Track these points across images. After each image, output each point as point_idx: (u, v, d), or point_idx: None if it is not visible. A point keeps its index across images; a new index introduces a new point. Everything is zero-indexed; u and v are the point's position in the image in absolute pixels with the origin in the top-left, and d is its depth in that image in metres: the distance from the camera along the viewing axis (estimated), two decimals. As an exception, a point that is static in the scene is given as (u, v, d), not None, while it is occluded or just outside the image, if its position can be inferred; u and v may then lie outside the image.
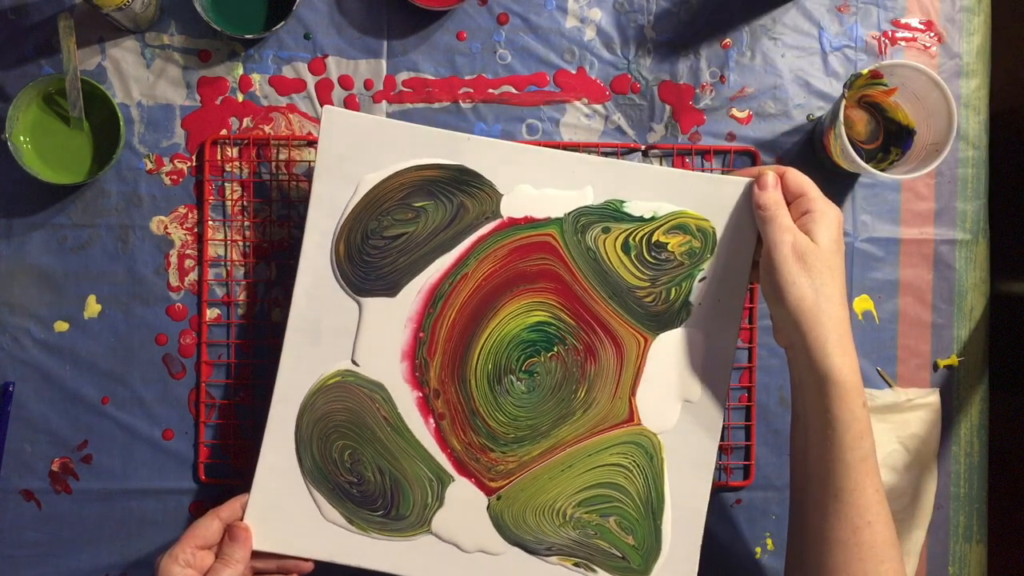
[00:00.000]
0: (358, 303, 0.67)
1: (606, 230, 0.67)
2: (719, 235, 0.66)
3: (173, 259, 0.76)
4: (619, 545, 0.67)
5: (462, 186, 0.67)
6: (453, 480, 0.67)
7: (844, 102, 0.68)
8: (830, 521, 0.60)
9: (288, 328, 0.68)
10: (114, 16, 0.72)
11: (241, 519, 0.66)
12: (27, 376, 0.75)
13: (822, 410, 0.60)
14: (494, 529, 0.67)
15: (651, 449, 0.67)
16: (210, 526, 0.65)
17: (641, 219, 0.67)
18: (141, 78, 0.76)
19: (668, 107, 0.77)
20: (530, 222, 0.67)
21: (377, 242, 0.68)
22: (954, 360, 0.77)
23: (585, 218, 0.67)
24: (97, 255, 0.76)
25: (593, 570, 0.67)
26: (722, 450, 0.76)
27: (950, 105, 0.68)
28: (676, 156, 0.77)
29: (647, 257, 0.67)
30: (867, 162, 0.70)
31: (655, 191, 0.67)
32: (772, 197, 0.63)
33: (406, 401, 0.67)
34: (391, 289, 0.68)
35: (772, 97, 0.77)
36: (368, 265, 0.68)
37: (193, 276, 0.76)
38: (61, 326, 0.76)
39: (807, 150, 0.77)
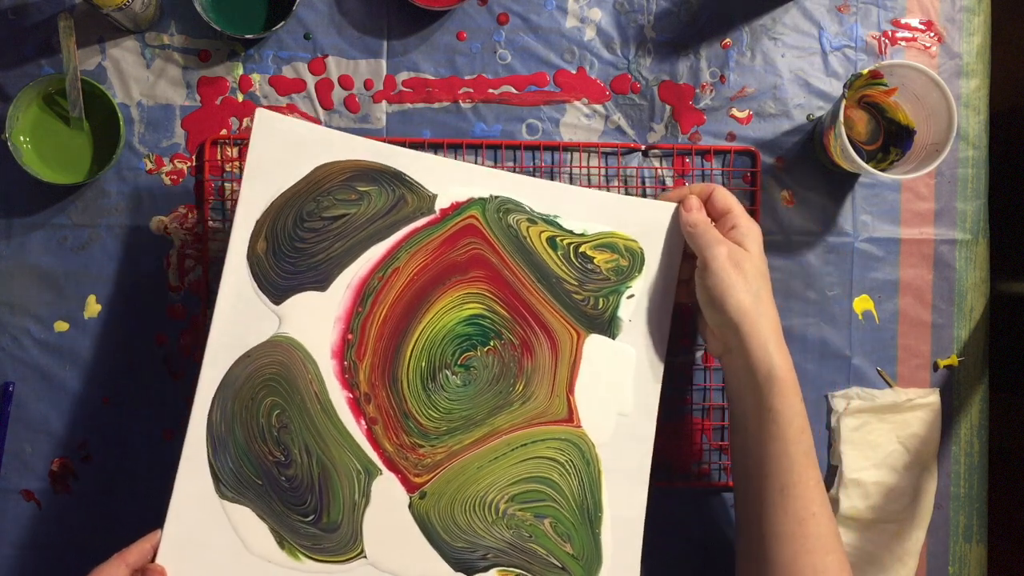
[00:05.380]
0: (278, 317, 0.65)
1: (532, 221, 0.67)
2: (647, 256, 0.68)
3: (173, 259, 0.76)
4: (557, 553, 0.65)
5: (403, 182, 0.67)
6: (380, 473, 0.65)
7: (844, 102, 0.68)
8: (777, 516, 0.61)
9: (209, 344, 0.64)
10: (114, 16, 0.72)
11: (152, 560, 0.62)
12: (27, 376, 0.75)
13: (765, 408, 0.62)
14: (424, 538, 0.64)
15: (588, 455, 0.66)
16: (115, 574, 0.59)
17: (571, 232, 0.68)
18: (141, 78, 0.76)
19: (668, 107, 0.77)
20: (456, 208, 0.67)
21: (315, 224, 0.66)
22: (954, 360, 0.77)
23: (512, 204, 0.67)
24: (97, 255, 0.76)
25: None
26: (722, 450, 0.76)
27: (950, 105, 0.68)
28: (676, 156, 0.77)
29: (574, 260, 0.67)
30: (867, 162, 0.70)
31: (589, 212, 0.68)
32: (699, 217, 0.66)
33: (337, 396, 0.65)
34: (322, 282, 0.66)
35: (772, 97, 0.77)
36: (300, 253, 0.66)
37: (193, 276, 0.76)
38: (61, 326, 0.76)
39: (807, 150, 0.77)
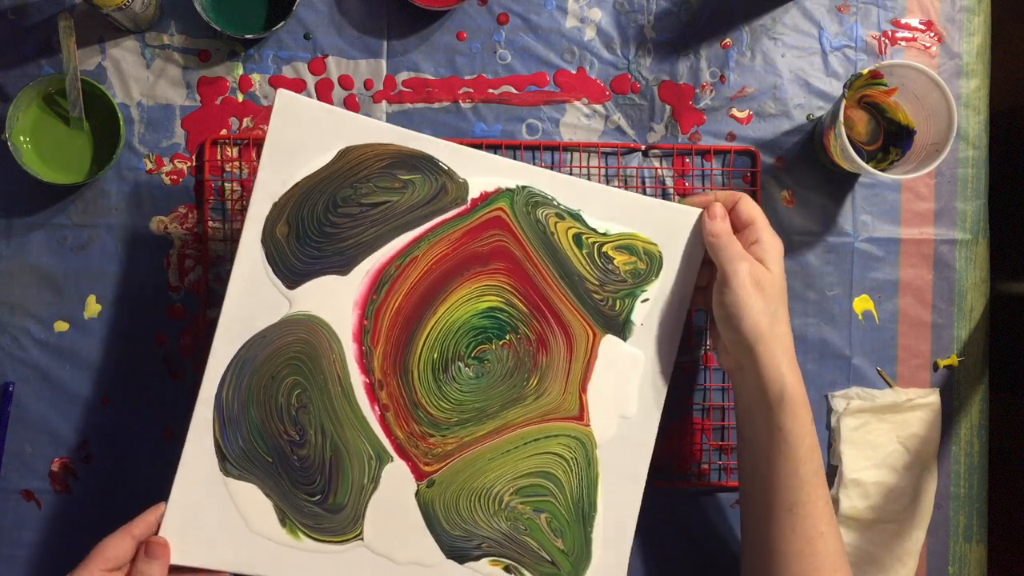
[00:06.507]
0: (289, 300, 0.64)
1: (560, 216, 0.67)
2: (666, 260, 0.67)
3: (173, 259, 0.76)
4: (548, 547, 0.66)
5: (443, 171, 0.66)
6: (392, 460, 0.65)
7: (844, 102, 0.68)
8: (786, 535, 0.61)
9: (219, 326, 0.64)
10: (114, 16, 0.72)
11: (156, 533, 0.62)
12: (27, 376, 0.75)
13: (775, 428, 0.62)
14: (424, 525, 0.65)
15: (590, 455, 0.67)
16: (120, 545, 0.60)
17: (594, 230, 0.67)
18: (141, 78, 0.76)
19: (668, 107, 0.77)
20: (485, 198, 0.66)
21: (351, 209, 0.65)
22: (954, 360, 0.77)
23: (540, 197, 0.66)
24: (97, 255, 0.76)
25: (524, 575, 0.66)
26: (722, 450, 0.76)
27: (950, 105, 0.68)
28: (676, 156, 0.77)
29: (597, 260, 0.67)
30: (867, 162, 0.70)
31: (611, 211, 0.67)
32: (723, 227, 0.65)
33: (356, 380, 0.65)
34: (345, 267, 0.65)
35: (772, 97, 0.77)
36: (328, 238, 0.65)
37: (193, 276, 0.76)
38: (61, 326, 0.76)
39: (807, 150, 0.77)
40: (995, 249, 0.78)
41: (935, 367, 0.78)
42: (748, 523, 0.65)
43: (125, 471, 0.75)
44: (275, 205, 0.64)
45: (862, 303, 0.77)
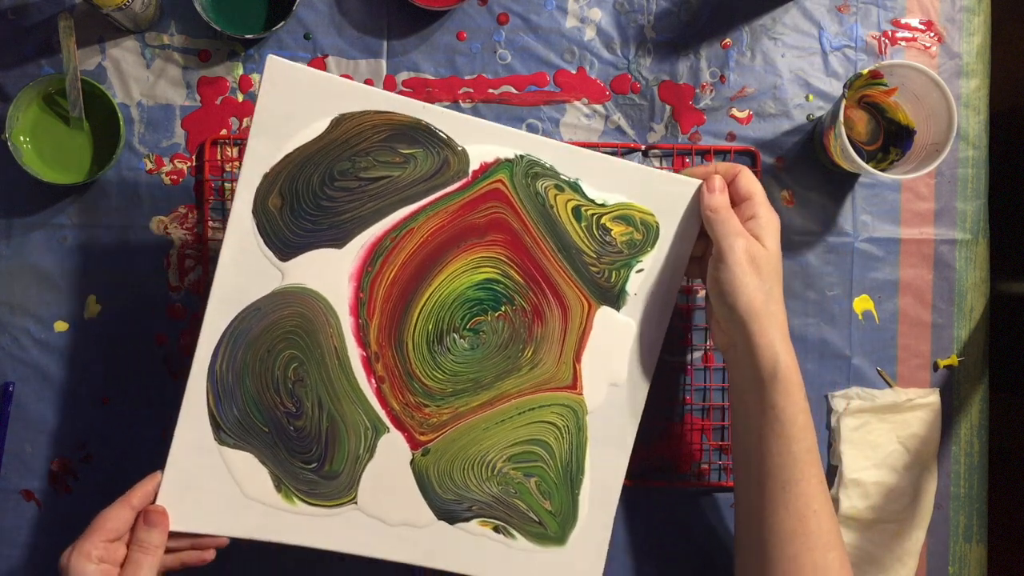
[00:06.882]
0: (281, 272, 0.64)
1: (559, 188, 0.66)
2: (662, 231, 0.67)
3: (173, 259, 0.76)
4: (536, 509, 0.67)
5: (444, 143, 0.65)
6: (388, 431, 0.66)
7: (844, 102, 0.68)
8: (779, 514, 0.61)
9: (211, 297, 0.63)
10: (114, 16, 0.72)
11: (153, 501, 0.63)
12: (27, 376, 0.75)
13: (768, 405, 0.61)
14: (417, 490, 0.66)
15: (581, 421, 0.67)
16: (120, 516, 0.61)
17: (592, 201, 0.67)
18: (141, 78, 0.76)
19: (668, 107, 0.77)
20: (484, 170, 0.65)
21: (349, 183, 0.64)
22: (954, 360, 0.77)
23: (540, 168, 0.66)
24: (97, 255, 0.76)
25: (512, 535, 0.67)
26: (722, 450, 0.76)
27: (950, 105, 0.68)
28: (676, 156, 0.77)
29: (595, 233, 0.67)
30: (867, 162, 0.70)
31: (610, 181, 0.67)
32: (721, 201, 0.65)
33: (353, 353, 0.65)
34: (340, 240, 0.64)
35: (772, 97, 0.77)
36: (325, 212, 0.64)
37: (193, 276, 0.76)
38: (61, 326, 0.76)
39: (807, 150, 0.77)
40: (995, 249, 0.78)
41: (935, 367, 0.78)
42: (741, 501, 0.65)
43: (125, 471, 0.75)
44: (266, 176, 0.63)
45: (862, 303, 0.77)
